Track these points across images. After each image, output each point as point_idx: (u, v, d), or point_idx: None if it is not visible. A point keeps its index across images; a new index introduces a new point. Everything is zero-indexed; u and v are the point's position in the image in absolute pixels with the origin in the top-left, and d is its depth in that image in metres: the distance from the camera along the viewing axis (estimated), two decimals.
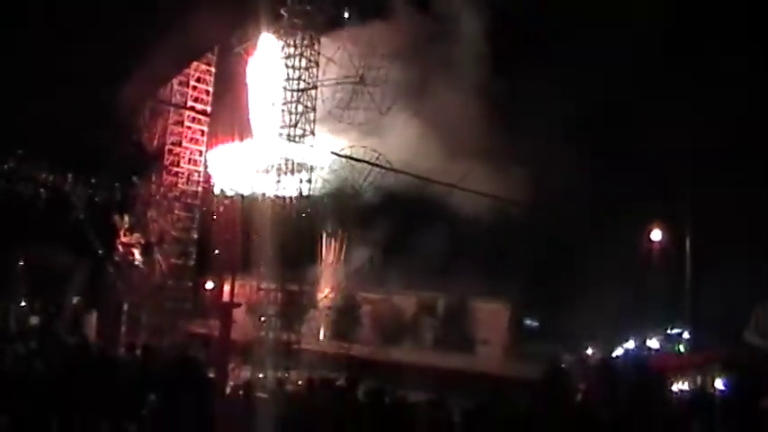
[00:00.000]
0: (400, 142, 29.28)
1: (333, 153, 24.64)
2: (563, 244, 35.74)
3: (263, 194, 24.06)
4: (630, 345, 35.79)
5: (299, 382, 20.11)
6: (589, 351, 34.68)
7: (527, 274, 38.47)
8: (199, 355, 21.92)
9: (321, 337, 27.32)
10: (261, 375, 21.07)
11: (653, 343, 35.96)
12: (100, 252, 28.52)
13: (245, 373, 21.46)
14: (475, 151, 28.24)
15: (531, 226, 33.02)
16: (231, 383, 17.90)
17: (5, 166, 25.43)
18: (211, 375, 17.52)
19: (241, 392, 14.16)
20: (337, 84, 25.57)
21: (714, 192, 29.77)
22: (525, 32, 34.31)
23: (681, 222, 27.29)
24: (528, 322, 42.47)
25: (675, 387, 21.85)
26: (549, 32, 33.59)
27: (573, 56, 31.29)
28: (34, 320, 30.61)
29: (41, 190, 26.81)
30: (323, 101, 24.29)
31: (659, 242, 28.64)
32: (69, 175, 26.33)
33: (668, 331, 32.88)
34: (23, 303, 32.17)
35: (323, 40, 24.10)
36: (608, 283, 32.90)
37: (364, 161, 24.11)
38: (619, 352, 33.90)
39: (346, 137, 26.16)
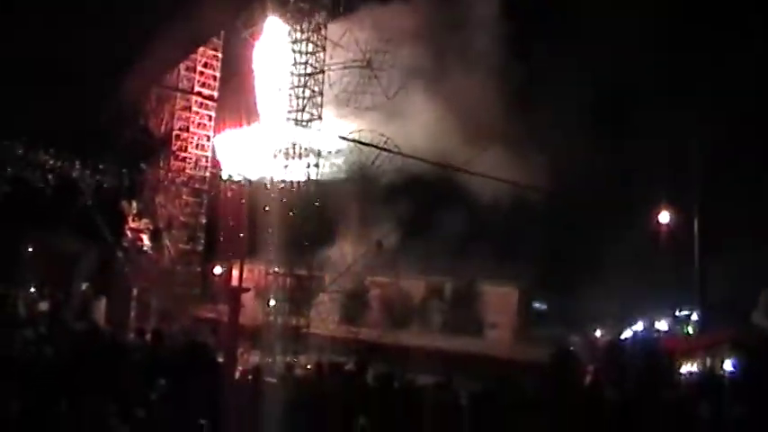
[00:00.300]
0: (418, 126, 29.26)
1: (341, 137, 24.58)
2: (572, 227, 35.70)
3: (271, 179, 24.05)
4: (639, 327, 35.75)
5: (308, 367, 20.19)
6: (598, 333, 34.63)
7: (536, 257, 38.49)
8: (208, 339, 22.02)
9: (329, 321, 27.33)
10: (270, 360, 21.14)
11: (661, 325, 35.90)
12: (108, 238, 28.63)
13: (254, 358, 21.51)
14: (490, 134, 28.13)
15: (542, 209, 32.94)
16: (240, 368, 17.94)
17: (13, 153, 25.51)
18: (220, 360, 17.60)
19: (250, 377, 14.22)
20: (344, 68, 25.50)
21: (723, 173, 29.71)
22: (541, 12, 34.05)
23: (689, 205, 27.25)
24: (537, 305, 42.42)
25: (684, 369, 21.83)
26: (564, 14, 33.26)
27: (588, 39, 31.12)
28: (43, 306, 30.76)
29: (49, 176, 26.90)
30: (330, 85, 24.24)
31: (667, 225, 28.55)
32: (77, 162, 26.39)
33: (677, 313, 32.79)
34: (32, 289, 32.31)
35: (330, 24, 24.01)
36: (616, 266, 32.88)
37: (372, 145, 24.03)
38: (627, 334, 33.85)
39: (363, 121, 26.10)
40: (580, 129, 30.94)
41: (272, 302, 23.08)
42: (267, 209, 24.21)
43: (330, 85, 24.24)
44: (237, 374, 16.41)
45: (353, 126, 25.82)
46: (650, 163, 31.77)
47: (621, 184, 32.19)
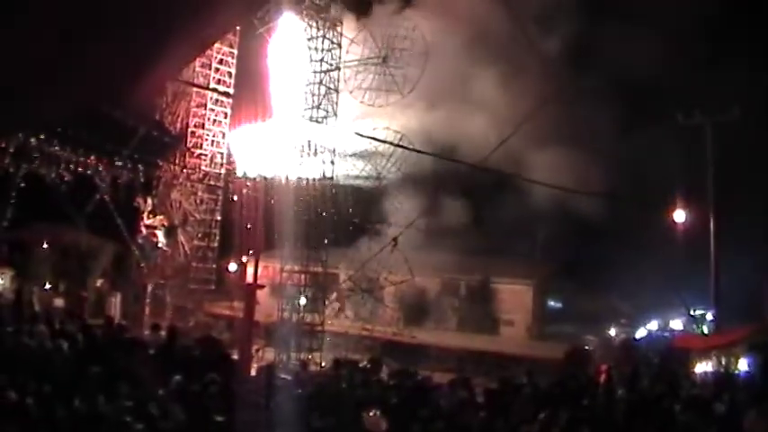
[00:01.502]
0: (449, 124, 29.29)
1: (357, 134, 24.55)
2: (588, 225, 35.57)
3: (286, 176, 24.09)
4: (654, 326, 35.59)
5: (323, 364, 20.22)
6: (612, 332, 34.52)
7: (551, 255, 38.42)
8: (222, 336, 22.10)
9: (344, 318, 27.35)
10: (284, 357, 21.18)
11: (676, 324, 35.78)
12: (124, 234, 28.76)
13: (269, 355, 21.57)
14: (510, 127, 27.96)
15: (558, 207, 32.80)
16: (255, 365, 18.00)
17: (29, 149, 25.64)
18: (235, 357, 17.65)
19: (265, 373, 14.25)
20: (360, 65, 25.49)
21: (739, 171, 29.52)
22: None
23: (705, 203, 27.10)
24: (552, 303, 42.31)
25: (699, 368, 21.72)
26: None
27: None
28: (58, 302, 30.97)
29: (65, 172, 27.04)
30: (344, 81, 24.24)
31: (683, 223, 28.42)
32: (93, 157, 26.51)
33: (692, 312, 32.64)
34: (48, 285, 32.51)
35: (346, 20, 24.02)
36: (631, 265, 32.74)
37: (388, 142, 23.98)
38: (642, 333, 33.73)
39: (396, 120, 26.10)
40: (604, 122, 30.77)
41: (288, 300, 23.12)
42: (282, 206, 24.26)
43: (344, 81, 24.22)
44: (252, 371, 16.48)
45: (376, 123, 25.83)
46: (666, 159, 31.56)
47: (635, 180, 31.95)
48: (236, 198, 27.28)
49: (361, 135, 24.35)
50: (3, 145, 25.63)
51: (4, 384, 9.97)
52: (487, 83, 32.17)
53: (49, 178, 26.90)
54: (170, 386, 11.08)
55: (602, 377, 19.06)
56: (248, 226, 25.42)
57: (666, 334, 33.32)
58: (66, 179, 27.14)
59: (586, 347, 27.22)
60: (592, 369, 21.54)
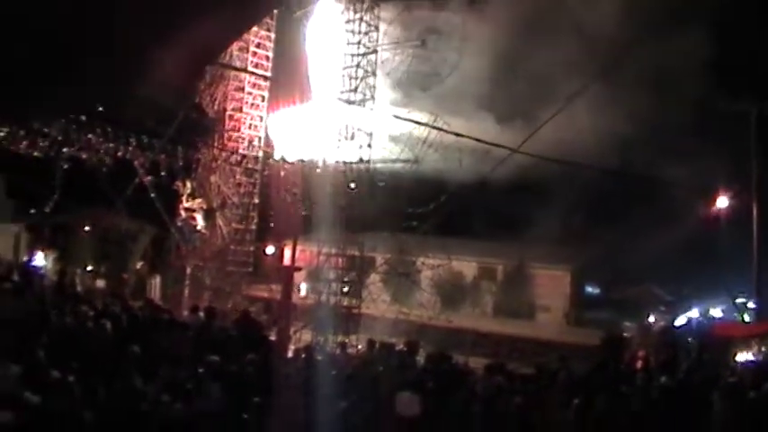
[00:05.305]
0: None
1: (395, 117, 24.48)
2: (628, 209, 35.21)
3: (324, 160, 24.12)
4: (694, 313, 35.22)
5: (360, 347, 20.29)
6: (651, 319, 34.22)
7: (590, 240, 38.13)
8: (260, 318, 22.28)
9: (381, 301, 27.38)
10: (321, 339, 21.28)
11: (717, 312, 35.36)
12: (163, 217, 29.07)
13: (306, 337, 21.69)
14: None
15: (596, 190, 32.46)
16: (292, 346, 18.13)
17: (70, 134, 26.00)
18: (273, 338, 17.80)
19: (303, 355, 14.35)
20: (398, 48, 25.39)
21: None
22: None
23: (747, 189, 26.73)
24: (589, 289, 42.05)
25: (741, 357, 21.44)
26: None
27: None
28: (100, 284, 31.49)
29: (105, 156, 27.39)
30: (381, 64, 24.15)
31: (725, 209, 28.08)
32: (133, 140, 26.79)
33: (733, 300, 32.20)
34: (89, 267, 33.06)
35: (383, 3, 23.88)
36: (672, 251, 32.39)
37: (425, 124, 23.86)
38: (682, 320, 33.39)
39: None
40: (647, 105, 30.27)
41: (325, 283, 23.22)
42: (319, 189, 24.31)
43: (381, 63, 24.13)
44: (290, 352, 16.61)
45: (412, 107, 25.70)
46: (708, 143, 31.07)
47: (678, 163, 31.48)
48: (273, 181, 27.38)
49: (399, 117, 24.29)
50: (45, 130, 26.05)
51: (47, 363, 10.17)
52: (529, 65, 31.78)
53: (90, 163, 27.29)
54: (208, 366, 11.20)
55: (640, 364, 18.93)
56: (284, 206, 25.51)
57: (708, 321, 32.89)
58: (106, 163, 27.51)
59: (624, 334, 26.97)
60: (629, 356, 21.38)
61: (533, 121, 24.35)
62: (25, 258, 28.39)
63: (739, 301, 31.02)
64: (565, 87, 25.45)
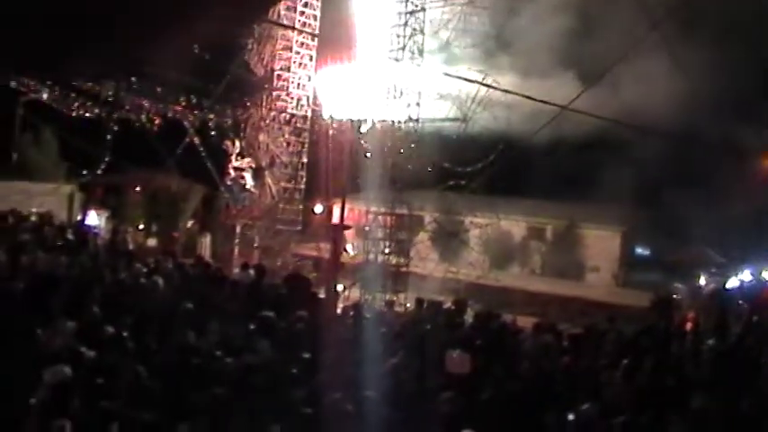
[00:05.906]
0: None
1: (446, 74, 24.26)
2: (680, 169, 34.51)
3: (372, 118, 24.07)
4: (746, 276, 34.64)
5: (408, 305, 20.39)
6: (702, 281, 33.75)
7: (641, 200, 37.56)
8: (309, 275, 22.46)
9: (429, 260, 27.40)
10: (369, 297, 21.42)
11: None
12: (213, 176, 29.36)
13: (355, 294, 21.84)
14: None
15: (648, 150, 31.79)
16: (341, 304, 18.25)
17: (120, 95, 26.30)
18: (322, 295, 17.94)
19: (351, 312, 14.44)
20: (446, 6, 25.11)
21: None
22: None
23: None
24: (639, 250, 41.58)
25: None
26: None
27: None
28: (151, 242, 32.03)
29: (155, 116, 27.68)
30: (430, 22, 23.91)
31: None
32: (182, 100, 27.01)
33: None
34: (141, 226, 33.61)
35: None
36: (725, 212, 31.80)
37: (474, 81, 23.60)
38: (733, 283, 32.88)
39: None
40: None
41: (373, 241, 23.31)
42: (367, 148, 24.31)
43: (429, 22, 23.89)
44: (338, 310, 16.71)
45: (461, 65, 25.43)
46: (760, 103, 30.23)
47: (732, 122, 30.69)
48: (322, 140, 27.39)
49: (449, 75, 24.08)
50: (97, 89, 26.38)
51: (101, 319, 10.40)
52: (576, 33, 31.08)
53: (140, 124, 27.61)
54: (259, 322, 11.34)
55: (689, 326, 18.72)
56: (332, 165, 25.55)
57: (761, 284, 32.32)
58: (157, 123, 27.80)
59: (674, 296, 26.65)
60: (679, 318, 21.14)
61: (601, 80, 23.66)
62: (79, 218, 28.86)
63: None
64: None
